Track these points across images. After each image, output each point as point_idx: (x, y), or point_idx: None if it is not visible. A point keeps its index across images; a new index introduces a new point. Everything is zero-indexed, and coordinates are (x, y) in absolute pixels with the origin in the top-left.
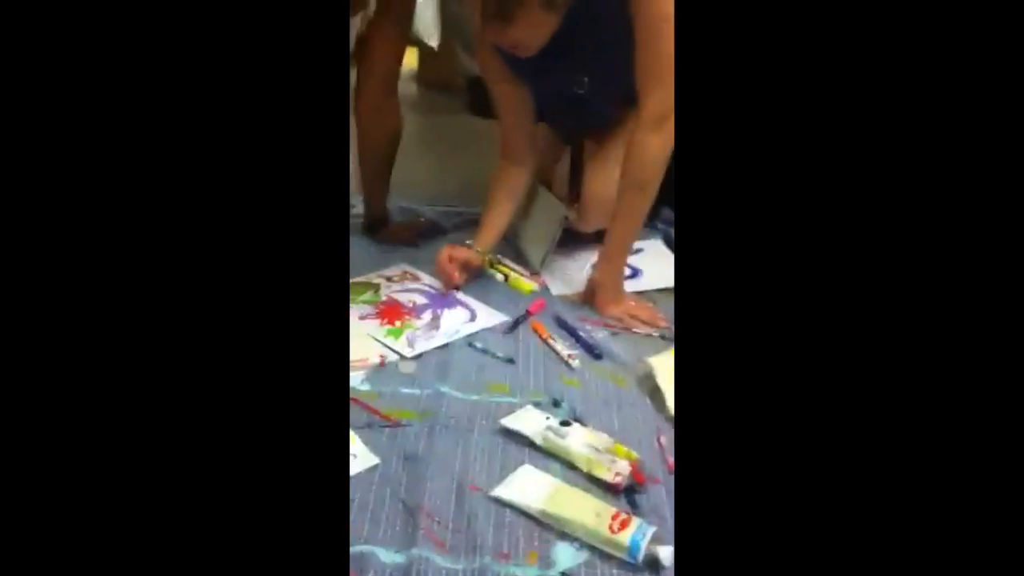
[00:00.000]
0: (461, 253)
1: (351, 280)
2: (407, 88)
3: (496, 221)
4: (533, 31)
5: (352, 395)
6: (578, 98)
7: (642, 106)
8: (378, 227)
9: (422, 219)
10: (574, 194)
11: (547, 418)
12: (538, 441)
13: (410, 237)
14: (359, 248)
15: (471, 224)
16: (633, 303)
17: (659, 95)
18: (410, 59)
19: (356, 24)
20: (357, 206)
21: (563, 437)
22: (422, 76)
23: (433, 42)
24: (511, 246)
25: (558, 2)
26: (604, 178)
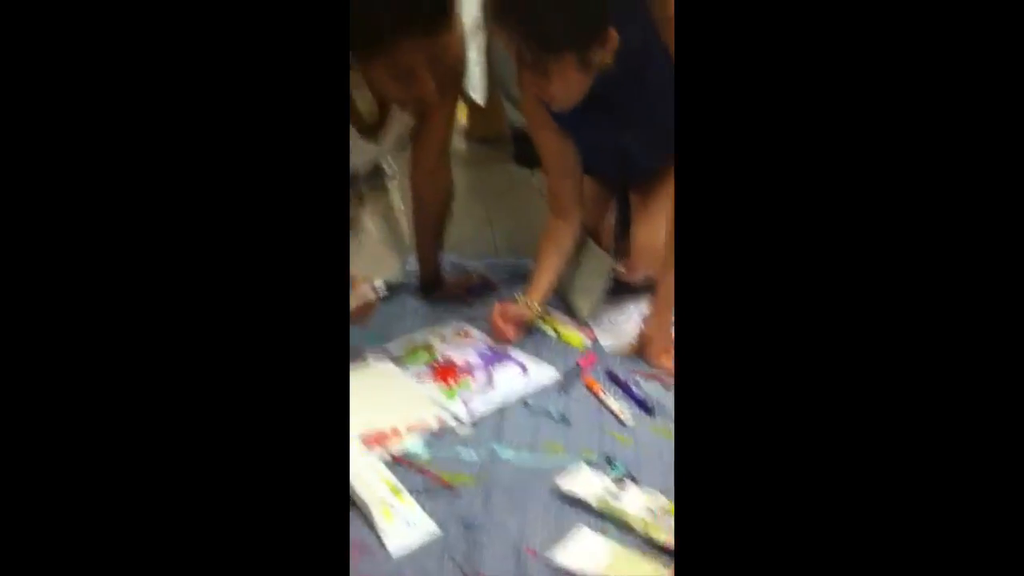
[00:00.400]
0: (514, 310)
1: (409, 339)
2: (455, 143)
3: (546, 276)
4: (567, 88)
5: (409, 460)
6: (622, 151)
7: None
8: (432, 287)
9: (473, 275)
10: (621, 245)
11: (602, 478)
12: (593, 503)
13: (462, 296)
14: (413, 308)
15: (521, 278)
16: None
17: None
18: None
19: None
20: (412, 264)
21: (618, 498)
22: (470, 130)
23: (480, 98)
24: (559, 298)
25: (593, 64)
26: (651, 228)
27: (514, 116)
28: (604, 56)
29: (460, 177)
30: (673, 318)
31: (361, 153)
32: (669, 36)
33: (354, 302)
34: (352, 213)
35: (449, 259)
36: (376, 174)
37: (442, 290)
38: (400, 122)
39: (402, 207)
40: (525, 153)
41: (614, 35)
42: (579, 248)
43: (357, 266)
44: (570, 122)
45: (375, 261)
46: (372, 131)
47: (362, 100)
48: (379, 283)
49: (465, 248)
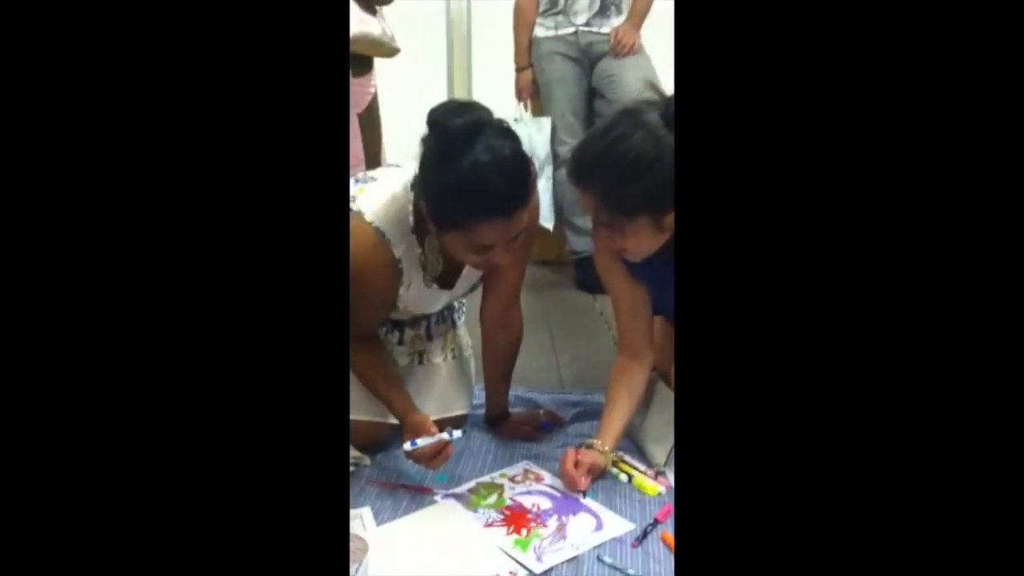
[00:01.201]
0: (587, 458)
1: (477, 481)
2: None
3: (617, 419)
4: (640, 245)
5: None
6: None
7: None
8: (499, 421)
9: (541, 411)
10: None
11: None
12: None
13: (530, 433)
14: (481, 446)
15: (589, 415)
16: None
17: None
18: None
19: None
20: (480, 397)
21: None
22: (532, 254)
23: (549, 225)
24: (632, 443)
25: (666, 224)
26: None
27: (575, 242)
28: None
29: (523, 303)
30: None
31: (434, 299)
32: None
33: (429, 444)
34: (422, 348)
35: (515, 392)
36: (446, 312)
37: (509, 425)
38: (471, 277)
39: (470, 343)
40: (588, 278)
41: None
42: (651, 392)
43: (426, 405)
44: (642, 267)
45: (443, 398)
46: (441, 280)
47: (431, 256)
48: (457, 433)
49: (530, 379)
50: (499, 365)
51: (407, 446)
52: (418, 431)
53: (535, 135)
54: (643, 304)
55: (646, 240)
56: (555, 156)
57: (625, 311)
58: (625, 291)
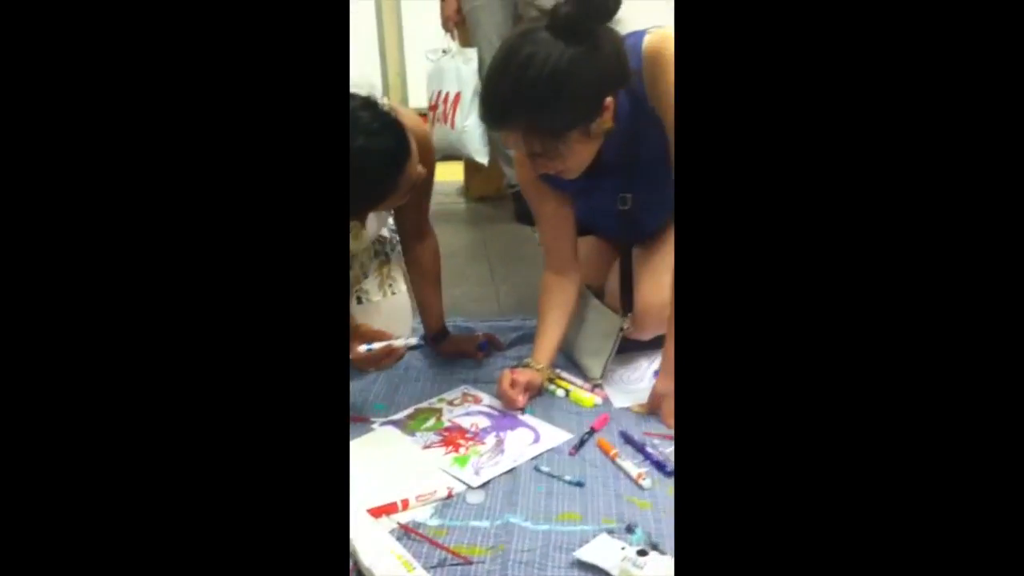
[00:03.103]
0: (523, 376)
1: (416, 407)
2: (456, 203)
3: (551, 335)
4: (576, 160)
5: (422, 531)
6: (623, 213)
7: None
8: (440, 338)
9: (479, 334)
10: (626, 303)
11: (623, 548)
12: (615, 574)
13: (471, 351)
14: (419, 374)
15: (527, 339)
16: None
17: None
18: (456, 174)
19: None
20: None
21: (642, 568)
22: (469, 191)
23: (483, 159)
24: (568, 358)
25: (595, 132)
26: (656, 286)
27: (512, 175)
28: (605, 122)
29: (461, 237)
30: None
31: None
32: (656, 98)
33: (381, 347)
34: (360, 287)
35: (454, 322)
36: (378, 246)
37: (450, 343)
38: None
39: (404, 280)
40: (526, 211)
41: (610, 101)
42: (583, 308)
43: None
44: (570, 187)
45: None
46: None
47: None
48: (411, 340)
49: (470, 309)
50: (426, 277)
51: (362, 349)
52: (372, 337)
53: (463, 67)
54: (567, 220)
55: (583, 153)
56: None
57: (550, 227)
58: (549, 208)
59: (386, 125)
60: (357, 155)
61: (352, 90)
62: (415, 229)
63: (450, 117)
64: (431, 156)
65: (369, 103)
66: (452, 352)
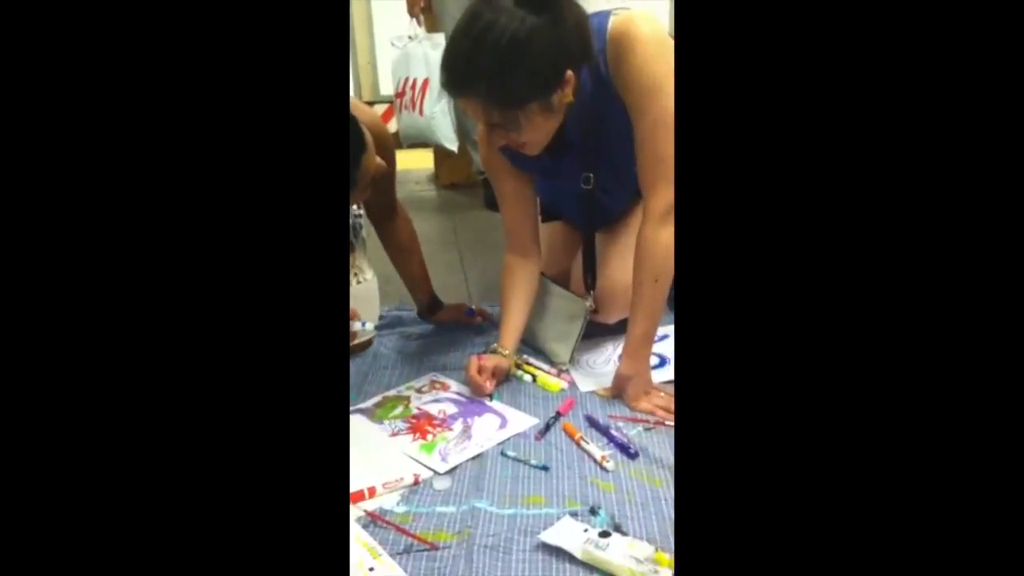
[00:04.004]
0: (489, 361)
1: (383, 395)
2: (426, 190)
3: (516, 319)
4: (536, 134)
5: (388, 518)
6: (587, 193)
7: (646, 203)
8: (434, 308)
9: (464, 304)
10: (590, 286)
11: (585, 529)
12: (578, 555)
13: (462, 318)
14: (387, 363)
15: (496, 324)
16: (663, 394)
17: (661, 192)
18: (426, 161)
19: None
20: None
21: (603, 549)
22: (439, 178)
23: (453, 146)
24: (534, 343)
25: (556, 106)
26: (619, 269)
27: (480, 161)
28: (565, 96)
29: (432, 224)
30: (649, 359)
31: None
32: (619, 80)
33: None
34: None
35: None
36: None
37: (445, 311)
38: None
39: (371, 268)
40: (495, 198)
41: (571, 75)
42: (548, 295)
43: None
44: (533, 167)
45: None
46: None
47: None
48: (369, 325)
49: (439, 295)
50: (405, 252)
51: None
52: None
53: (430, 53)
54: (529, 200)
55: (543, 127)
56: None
57: (512, 209)
58: (509, 186)
59: None
60: None
61: None
62: (385, 212)
63: (418, 104)
64: (390, 148)
65: None
66: (448, 320)
